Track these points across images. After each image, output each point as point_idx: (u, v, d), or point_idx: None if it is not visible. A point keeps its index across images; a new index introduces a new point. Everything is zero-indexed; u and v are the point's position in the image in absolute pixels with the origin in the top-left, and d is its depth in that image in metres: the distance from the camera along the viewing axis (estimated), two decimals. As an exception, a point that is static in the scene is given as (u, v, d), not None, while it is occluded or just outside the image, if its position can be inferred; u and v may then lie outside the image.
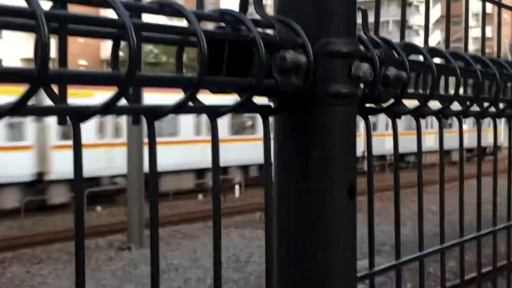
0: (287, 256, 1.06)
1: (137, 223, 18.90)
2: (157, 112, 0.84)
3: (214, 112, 0.92)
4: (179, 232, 19.79)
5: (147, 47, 32.42)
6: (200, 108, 0.92)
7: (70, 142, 0.77)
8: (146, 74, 0.82)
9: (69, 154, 0.87)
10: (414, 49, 1.27)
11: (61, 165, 21.96)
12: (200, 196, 26.83)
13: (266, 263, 1.01)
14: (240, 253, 16.48)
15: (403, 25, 1.38)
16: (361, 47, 1.11)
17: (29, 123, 22.65)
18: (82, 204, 0.78)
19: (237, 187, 27.35)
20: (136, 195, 19.32)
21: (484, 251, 1.68)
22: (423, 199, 1.38)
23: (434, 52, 1.38)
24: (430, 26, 1.59)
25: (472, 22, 2.07)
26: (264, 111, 1.00)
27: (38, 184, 23.59)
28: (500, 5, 1.82)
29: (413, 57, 1.31)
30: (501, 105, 1.69)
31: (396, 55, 1.19)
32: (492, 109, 1.60)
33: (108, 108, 0.76)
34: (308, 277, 1.04)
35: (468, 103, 1.52)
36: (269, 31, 0.99)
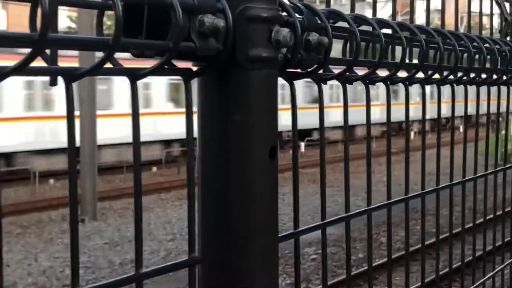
0: (211, 219, 1.09)
1: (90, 196, 18.82)
2: (73, 74, 0.85)
3: (133, 74, 0.94)
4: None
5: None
6: (118, 70, 0.94)
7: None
8: (60, 35, 0.83)
9: None
10: (339, 16, 1.30)
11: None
12: (154, 169, 26.77)
13: (189, 229, 1.04)
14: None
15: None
16: (284, 13, 1.14)
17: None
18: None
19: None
20: (89, 168, 19.20)
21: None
22: (349, 169, 1.42)
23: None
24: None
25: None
26: (184, 73, 1.02)
27: None
28: None
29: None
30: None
31: (319, 21, 1.22)
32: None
33: (21, 69, 0.78)
34: (230, 237, 1.08)
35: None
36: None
